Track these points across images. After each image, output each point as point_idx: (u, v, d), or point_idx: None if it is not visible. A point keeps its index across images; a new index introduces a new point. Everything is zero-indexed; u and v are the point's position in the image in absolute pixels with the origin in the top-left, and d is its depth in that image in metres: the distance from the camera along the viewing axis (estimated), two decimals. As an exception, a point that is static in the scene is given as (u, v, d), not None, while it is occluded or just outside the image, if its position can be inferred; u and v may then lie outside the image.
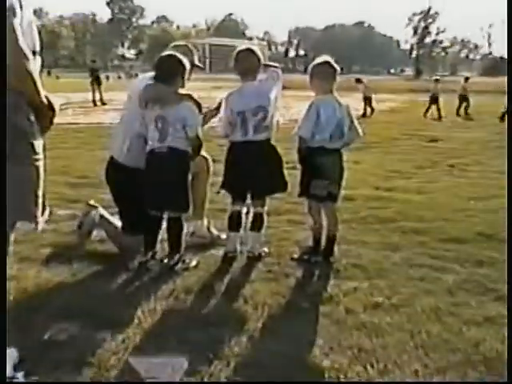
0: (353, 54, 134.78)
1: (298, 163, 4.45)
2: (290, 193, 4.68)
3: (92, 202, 4.89)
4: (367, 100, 20.52)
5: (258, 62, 4.36)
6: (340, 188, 4.48)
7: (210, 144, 8.84)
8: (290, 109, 17.17)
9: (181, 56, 4.21)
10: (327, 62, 4.36)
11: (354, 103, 19.26)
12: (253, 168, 4.34)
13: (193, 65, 4.61)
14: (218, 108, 4.61)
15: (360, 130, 4.48)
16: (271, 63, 4.55)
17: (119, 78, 66.30)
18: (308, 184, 4.41)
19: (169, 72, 4.16)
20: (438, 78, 22.76)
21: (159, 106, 4.17)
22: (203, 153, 4.73)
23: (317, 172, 4.37)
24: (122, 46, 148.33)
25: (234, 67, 4.38)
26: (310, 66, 4.39)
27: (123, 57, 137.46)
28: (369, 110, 20.32)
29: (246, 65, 4.34)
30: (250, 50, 4.38)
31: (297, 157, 4.42)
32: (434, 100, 20.55)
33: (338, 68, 4.37)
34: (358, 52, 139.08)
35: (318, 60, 4.40)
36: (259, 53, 4.40)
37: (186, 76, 4.23)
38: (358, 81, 21.73)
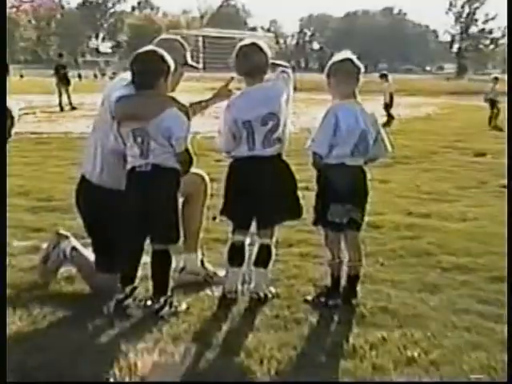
0: (379, 47, 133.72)
1: (316, 183, 4.49)
2: (303, 220, 4.68)
3: (62, 231, 4.89)
4: (388, 103, 20.48)
5: (265, 60, 4.40)
6: (364, 214, 4.47)
7: (205, 159, 8.86)
8: (301, 115, 17.17)
9: (162, 52, 4.19)
10: (348, 59, 4.39)
11: (381, 109, 19.34)
12: (260, 189, 4.35)
13: (185, 63, 4.63)
14: (227, 91, 4.73)
15: (388, 144, 4.51)
16: (279, 62, 4.59)
17: (95, 76, 65.78)
18: (325, 209, 4.40)
19: (148, 73, 4.15)
20: (497, 76, 22.59)
21: (137, 120, 4.17)
22: (198, 170, 4.73)
23: (335, 194, 4.37)
24: (96, 37, 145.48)
25: (235, 66, 4.41)
26: (328, 64, 4.41)
27: (97, 51, 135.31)
28: (386, 116, 20.08)
29: (252, 63, 4.36)
30: (255, 45, 4.41)
31: (315, 175, 4.46)
32: (493, 103, 20.60)
33: (362, 66, 4.40)
34: (386, 45, 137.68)
35: (338, 56, 4.42)
36: (266, 48, 4.43)
37: (171, 77, 4.22)
38: (383, 76, 21.53)
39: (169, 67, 4.17)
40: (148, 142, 4.13)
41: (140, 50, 4.20)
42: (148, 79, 4.14)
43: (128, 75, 4.27)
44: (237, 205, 4.43)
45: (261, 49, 4.38)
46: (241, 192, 4.39)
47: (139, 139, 4.15)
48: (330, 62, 4.40)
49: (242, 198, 4.39)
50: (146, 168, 4.15)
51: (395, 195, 8.41)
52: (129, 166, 4.21)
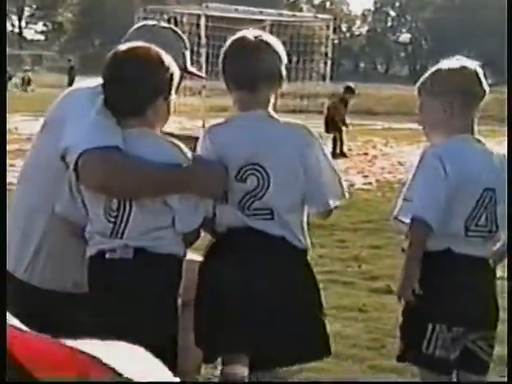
0: None
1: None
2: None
3: None
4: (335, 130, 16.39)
5: (272, 67, 2.86)
6: (493, 343, 2.98)
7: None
8: (376, 160, 15.63)
9: (158, 51, 2.74)
10: (465, 70, 2.96)
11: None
12: (249, 295, 2.75)
13: (184, 69, 3.11)
14: None
15: None
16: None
17: (17, 86, 43.22)
18: (419, 334, 2.91)
19: (135, 92, 2.66)
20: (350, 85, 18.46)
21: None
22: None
23: (435, 308, 2.88)
24: (19, 16, 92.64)
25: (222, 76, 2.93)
26: (426, 76, 3.01)
27: (21, 37, 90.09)
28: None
29: (244, 71, 2.83)
30: (255, 41, 2.87)
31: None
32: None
33: (486, 85, 2.97)
34: None
35: (445, 64, 3.00)
36: (279, 48, 2.91)
37: (172, 95, 2.76)
38: (349, 90, 17.68)
39: (172, 77, 2.73)
40: (128, 210, 2.66)
41: (121, 48, 2.74)
42: (135, 101, 2.66)
43: (89, 90, 2.79)
44: (213, 324, 2.80)
45: (266, 46, 2.86)
46: (217, 300, 2.78)
47: (114, 204, 2.67)
48: (430, 73, 3.00)
49: (220, 313, 2.78)
50: (124, 254, 2.65)
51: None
52: (92, 251, 2.69)
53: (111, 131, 2.60)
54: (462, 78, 2.92)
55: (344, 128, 16.57)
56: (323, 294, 2.93)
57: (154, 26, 3.21)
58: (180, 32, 3.24)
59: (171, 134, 3.12)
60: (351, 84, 18.59)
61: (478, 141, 2.94)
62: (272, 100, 2.88)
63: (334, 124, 16.31)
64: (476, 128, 2.96)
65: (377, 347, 4.53)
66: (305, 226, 2.85)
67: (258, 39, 2.85)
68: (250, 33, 2.90)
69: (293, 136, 2.83)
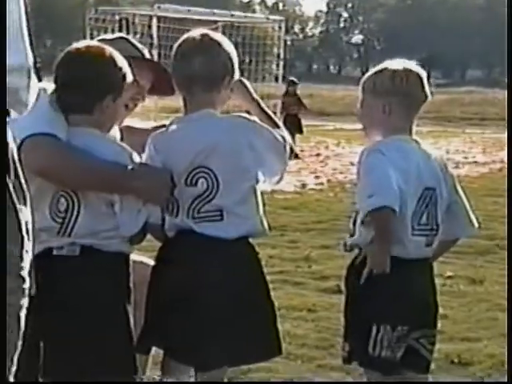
0: (470, 44, 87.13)
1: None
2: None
3: None
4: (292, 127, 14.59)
5: (222, 66, 2.84)
6: (434, 341, 3.03)
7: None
8: (328, 160, 15.77)
9: (110, 50, 2.74)
10: (406, 71, 2.96)
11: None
12: (199, 302, 2.81)
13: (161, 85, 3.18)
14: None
15: (473, 217, 3.05)
16: (270, 114, 3.08)
17: None
18: (364, 335, 2.91)
19: (84, 88, 2.67)
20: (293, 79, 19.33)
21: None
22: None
23: (380, 309, 2.89)
24: None
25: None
26: (366, 76, 3.03)
27: None
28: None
29: (193, 70, 2.81)
30: (206, 39, 2.87)
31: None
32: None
33: (427, 89, 3.01)
34: (481, 40, 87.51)
35: (390, 64, 2.99)
36: (228, 46, 2.89)
37: (125, 95, 2.80)
38: (291, 83, 18.36)
39: (124, 78, 2.72)
40: (77, 213, 2.70)
41: (71, 48, 2.75)
42: (84, 97, 2.67)
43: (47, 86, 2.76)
44: (158, 323, 2.87)
45: (217, 45, 2.85)
46: (164, 304, 2.86)
47: (62, 206, 2.69)
48: (374, 72, 3.00)
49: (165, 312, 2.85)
50: (71, 252, 2.68)
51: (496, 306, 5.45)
52: (39, 248, 2.48)
53: (57, 122, 2.62)
54: (405, 81, 2.93)
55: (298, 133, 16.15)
56: (273, 294, 2.98)
57: (112, 39, 3.20)
58: (135, 42, 3.28)
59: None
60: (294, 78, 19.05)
61: (416, 141, 2.96)
62: (223, 99, 2.91)
63: (286, 125, 16.26)
64: (415, 129, 2.98)
65: (326, 347, 4.57)
66: (260, 211, 2.88)
67: (199, 40, 2.85)
68: (194, 33, 2.89)
69: (235, 129, 2.85)
